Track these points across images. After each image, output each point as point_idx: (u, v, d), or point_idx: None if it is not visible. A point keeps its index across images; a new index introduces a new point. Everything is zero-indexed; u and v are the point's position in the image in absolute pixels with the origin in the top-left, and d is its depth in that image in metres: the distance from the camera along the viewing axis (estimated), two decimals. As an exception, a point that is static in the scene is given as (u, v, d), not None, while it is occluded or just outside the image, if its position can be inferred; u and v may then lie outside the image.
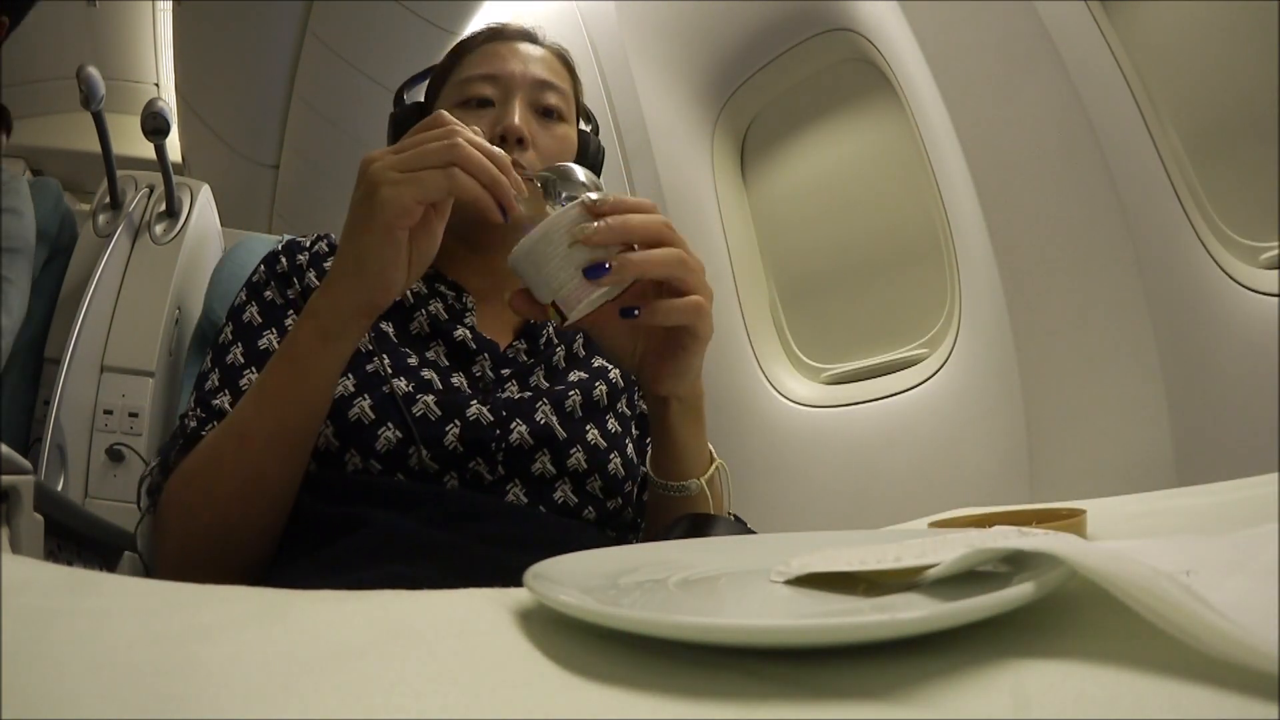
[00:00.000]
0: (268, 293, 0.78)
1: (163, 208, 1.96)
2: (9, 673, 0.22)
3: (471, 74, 0.81)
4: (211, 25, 3.20)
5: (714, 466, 0.71)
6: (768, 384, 1.82)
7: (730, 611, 0.36)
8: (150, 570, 1.35)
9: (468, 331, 0.77)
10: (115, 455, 1.72)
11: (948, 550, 0.32)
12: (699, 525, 0.61)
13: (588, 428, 0.76)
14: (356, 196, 0.59)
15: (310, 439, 0.66)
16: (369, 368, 0.72)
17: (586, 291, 0.58)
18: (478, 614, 0.34)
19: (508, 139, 0.75)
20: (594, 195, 0.59)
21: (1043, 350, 1.29)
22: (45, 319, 1.78)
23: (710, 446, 0.72)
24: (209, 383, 0.74)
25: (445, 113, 0.61)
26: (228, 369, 0.74)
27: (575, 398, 0.77)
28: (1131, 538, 0.49)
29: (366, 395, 0.70)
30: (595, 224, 0.57)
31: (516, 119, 0.76)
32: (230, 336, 0.76)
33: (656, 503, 0.73)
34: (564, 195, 0.67)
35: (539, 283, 0.59)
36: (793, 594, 0.35)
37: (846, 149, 1.75)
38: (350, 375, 0.71)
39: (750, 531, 0.75)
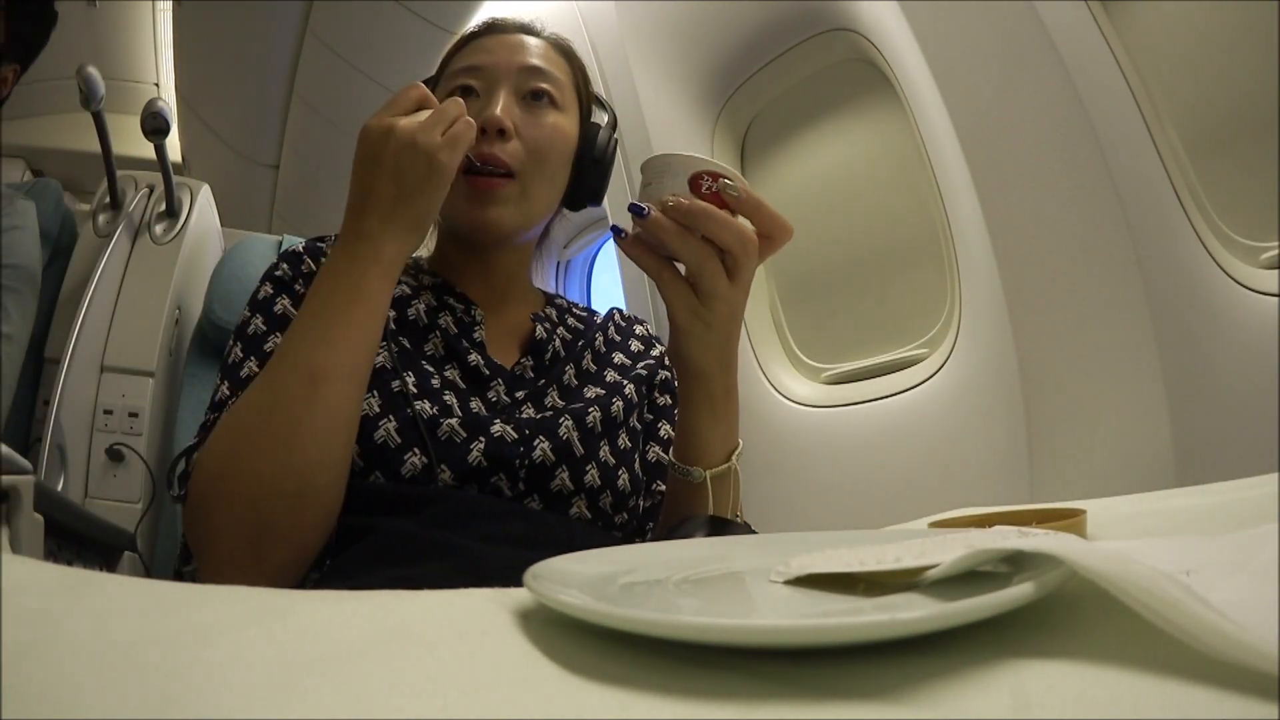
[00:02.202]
0: (297, 286, 0.77)
1: (163, 208, 1.95)
2: (9, 673, 0.22)
3: (460, 66, 0.80)
4: (211, 25, 3.20)
5: (725, 467, 0.71)
6: (768, 384, 1.82)
7: (730, 611, 0.36)
8: (150, 570, 1.35)
9: (479, 355, 0.77)
10: (115, 455, 1.72)
11: (948, 550, 0.32)
12: (702, 526, 0.61)
13: (602, 444, 0.77)
14: (399, 164, 0.65)
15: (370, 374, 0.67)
16: (394, 385, 0.71)
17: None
18: (478, 614, 0.34)
19: (488, 131, 0.74)
20: (730, 185, 0.65)
21: (1043, 350, 1.29)
22: (45, 319, 1.77)
23: (737, 448, 0.72)
24: (245, 370, 0.72)
25: (419, 84, 0.70)
26: (266, 356, 0.72)
27: (595, 414, 0.77)
28: (1131, 538, 0.49)
29: (392, 417, 0.69)
30: (681, 200, 0.64)
31: (497, 110, 0.75)
32: (264, 326, 0.75)
33: (668, 485, 0.75)
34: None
35: (642, 186, 0.67)
36: (793, 594, 0.35)
37: (846, 149, 1.75)
38: (375, 394, 0.70)
39: (750, 531, 0.75)
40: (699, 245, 0.64)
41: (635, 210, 0.64)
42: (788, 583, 0.36)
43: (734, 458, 0.72)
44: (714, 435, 0.71)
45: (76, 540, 1.22)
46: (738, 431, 0.73)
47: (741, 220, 0.65)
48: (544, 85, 0.79)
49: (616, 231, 0.66)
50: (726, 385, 0.70)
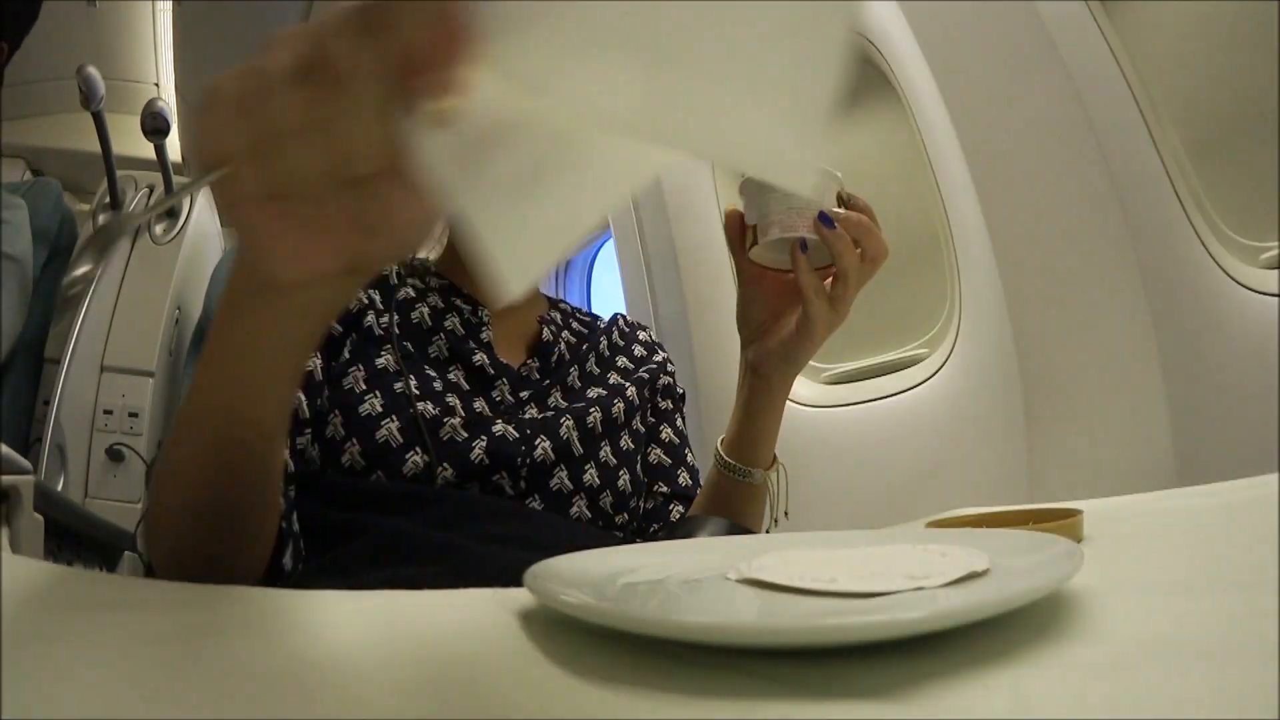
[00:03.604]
0: None
1: (163, 208, 1.95)
2: (9, 673, 0.22)
3: None
4: (211, 25, 3.20)
5: (776, 465, 0.77)
6: (768, 384, 1.82)
7: (730, 612, 0.36)
8: (150, 570, 1.35)
9: (485, 355, 0.78)
10: (115, 455, 1.72)
11: (892, 576, 0.32)
12: (705, 526, 0.62)
13: (602, 444, 0.78)
14: None
15: (251, 456, 0.48)
16: (397, 387, 0.71)
17: (782, 230, 0.67)
18: (478, 614, 0.34)
19: None
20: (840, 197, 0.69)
21: (1042, 350, 1.29)
22: (45, 319, 1.77)
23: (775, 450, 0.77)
24: None
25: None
26: None
27: (597, 414, 0.78)
28: (1131, 538, 0.49)
29: (394, 417, 0.69)
30: (845, 212, 0.68)
31: None
32: None
33: (717, 486, 0.78)
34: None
35: (755, 204, 0.69)
36: (793, 594, 0.35)
37: (846, 149, 1.75)
38: (378, 394, 0.70)
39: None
40: (856, 253, 0.68)
41: (826, 221, 0.67)
42: (787, 584, 0.36)
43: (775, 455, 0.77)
44: (774, 433, 0.76)
45: (76, 540, 1.22)
46: None
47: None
48: None
49: (804, 245, 0.68)
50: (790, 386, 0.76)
